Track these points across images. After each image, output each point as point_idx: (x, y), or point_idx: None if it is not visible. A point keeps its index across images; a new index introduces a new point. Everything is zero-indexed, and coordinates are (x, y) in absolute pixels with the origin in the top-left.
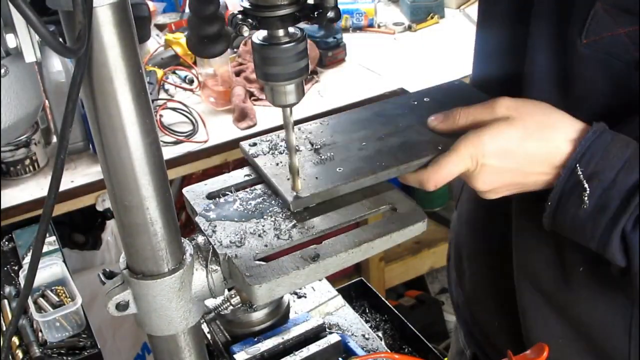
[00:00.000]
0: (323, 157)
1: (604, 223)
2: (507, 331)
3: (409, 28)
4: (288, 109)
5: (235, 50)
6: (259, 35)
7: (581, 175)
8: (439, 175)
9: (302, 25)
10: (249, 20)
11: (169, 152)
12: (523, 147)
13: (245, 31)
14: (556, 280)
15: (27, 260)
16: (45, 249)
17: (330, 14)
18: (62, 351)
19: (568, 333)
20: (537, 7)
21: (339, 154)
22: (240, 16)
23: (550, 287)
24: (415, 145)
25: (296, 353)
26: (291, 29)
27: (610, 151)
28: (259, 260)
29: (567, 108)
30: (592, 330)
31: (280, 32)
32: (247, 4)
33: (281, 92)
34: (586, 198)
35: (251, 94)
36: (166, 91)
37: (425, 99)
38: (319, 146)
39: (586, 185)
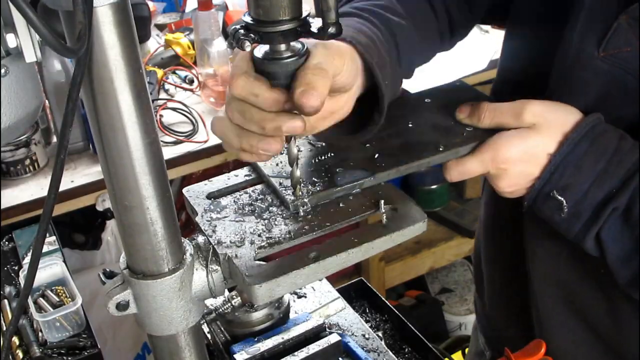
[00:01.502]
0: (323, 157)
1: (577, 228)
2: (522, 336)
3: None
4: None
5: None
6: (261, 49)
7: (554, 191)
8: (457, 171)
9: None
10: (251, 35)
11: (169, 152)
12: (547, 154)
13: (247, 46)
14: (574, 282)
15: (27, 260)
16: (45, 249)
17: (332, 30)
18: (62, 351)
19: (586, 336)
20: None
21: (339, 155)
22: (242, 31)
23: (568, 290)
24: (416, 146)
25: (296, 353)
26: (293, 43)
27: (582, 166)
28: (259, 260)
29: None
30: (610, 333)
31: (282, 47)
32: (249, 19)
33: None
34: (565, 208)
35: None
36: (166, 91)
37: (426, 100)
38: (318, 146)
39: (560, 198)
